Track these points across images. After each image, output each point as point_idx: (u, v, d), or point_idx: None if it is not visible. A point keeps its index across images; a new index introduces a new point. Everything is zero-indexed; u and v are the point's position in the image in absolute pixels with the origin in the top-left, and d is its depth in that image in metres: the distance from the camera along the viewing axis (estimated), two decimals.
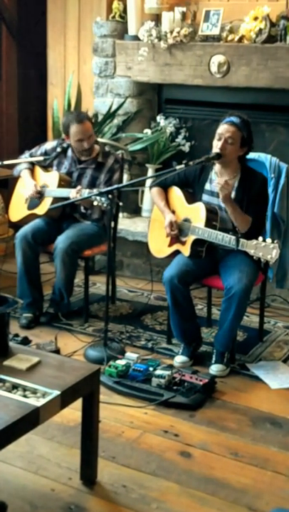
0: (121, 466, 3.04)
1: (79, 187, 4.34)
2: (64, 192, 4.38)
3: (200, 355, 4.09)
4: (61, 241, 4.37)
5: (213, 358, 3.96)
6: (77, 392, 2.67)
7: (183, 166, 3.85)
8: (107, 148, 4.66)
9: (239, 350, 4.16)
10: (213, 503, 2.83)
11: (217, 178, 3.85)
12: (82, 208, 4.49)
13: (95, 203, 4.00)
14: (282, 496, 2.89)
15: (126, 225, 5.41)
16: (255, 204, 3.88)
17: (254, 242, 3.57)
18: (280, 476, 3.03)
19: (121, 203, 4.14)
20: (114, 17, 5.54)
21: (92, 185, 4.47)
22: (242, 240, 3.62)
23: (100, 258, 5.42)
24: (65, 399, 2.57)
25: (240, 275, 3.77)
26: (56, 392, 2.53)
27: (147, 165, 5.54)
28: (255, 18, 4.85)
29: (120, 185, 4.03)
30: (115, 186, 3.98)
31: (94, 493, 2.86)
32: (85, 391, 2.73)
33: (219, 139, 3.87)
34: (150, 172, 5.51)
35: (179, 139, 5.51)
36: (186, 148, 5.49)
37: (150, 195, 4.34)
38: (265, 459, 3.16)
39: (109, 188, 3.93)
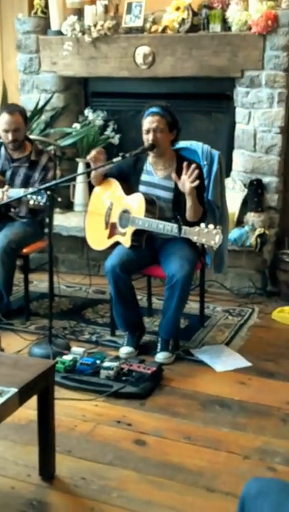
0: (78, 459, 3.04)
1: (6, 187, 4.29)
2: None
3: (144, 345, 4.13)
4: None
5: (159, 346, 4.01)
6: (34, 388, 2.66)
7: (120, 158, 3.87)
8: (40, 146, 4.62)
9: (182, 336, 4.21)
10: (172, 487, 2.86)
11: (173, 174, 3.83)
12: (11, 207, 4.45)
13: (31, 202, 3.97)
14: (238, 474, 2.94)
15: (60, 220, 5.38)
16: (197, 193, 3.89)
17: (196, 228, 3.60)
18: (234, 456, 3.09)
19: (60, 199, 4.12)
20: (36, 13, 5.51)
21: (26, 183, 4.43)
22: (184, 228, 3.66)
23: (34, 256, 5.36)
24: (22, 396, 2.55)
25: (182, 262, 3.82)
26: (13, 390, 2.52)
27: (77, 159, 5.53)
28: (177, 8, 4.91)
29: (58, 180, 4.00)
30: (53, 182, 3.95)
31: (54, 487, 2.85)
32: (41, 386, 2.72)
33: (148, 133, 3.91)
34: (81, 166, 5.51)
35: (108, 132, 5.52)
36: (116, 140, 5.51)
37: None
38: (217, 440, 3.22)
39: (47, 185, 3.89)
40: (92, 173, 4.14)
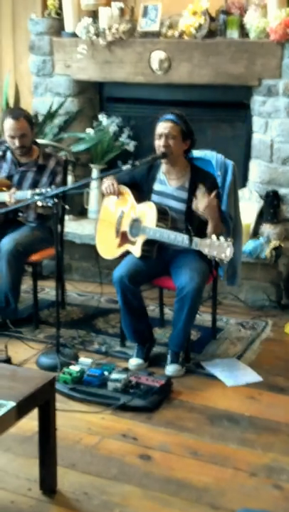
0: (81, 473, 2.99)
1: (13, 189, 4.24)
2: (3, 196, 4.27)
3: (155, 357, 4.06)
4: (6, 243, 4.27)
5: (168, 359, 3.93)
6: (34, 402, 2.61)
7: (129, 165, 3.81)
8: (47, 150, 4.57)
9: (193, 349, 4.14)
10: (175, 504, 2.81)
11: (200, 195, 3.78)
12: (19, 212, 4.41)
13: (39, 204, 3.91)
14: (244, 492, 2.89)
15: (72, 227, 5.32)
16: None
17: (208, 240, 3.53)
18: (240, 473, 3.03)
19: (67, 207, 4.06)
20: (49, 14, 5.44)
21: (34, 188, 4.33)
22: (195, 239, 3.58)
23: (47, 263, 5.32)
24: (21, 410, 2.50)
25: (192, 274, 3.74)
26: (12, 404, 2.46)
27: (91, 165, 5.47)
28: (194, 13, 4.83)
29: (66, 188, 3.94)
30: (61, 189, 3.89)
31: (55, 502, 2.80)
32: (41, 400, 2.66)
33: (160, 138, 3.85)
34: (95, 172, 5.45)
35: (123, 138, 5.46)
36: (131, 147, 5.43)
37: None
38: (224, 456, 3.15)
39: (55, 192, 3.84)
40: (105, 187, 4.08)
